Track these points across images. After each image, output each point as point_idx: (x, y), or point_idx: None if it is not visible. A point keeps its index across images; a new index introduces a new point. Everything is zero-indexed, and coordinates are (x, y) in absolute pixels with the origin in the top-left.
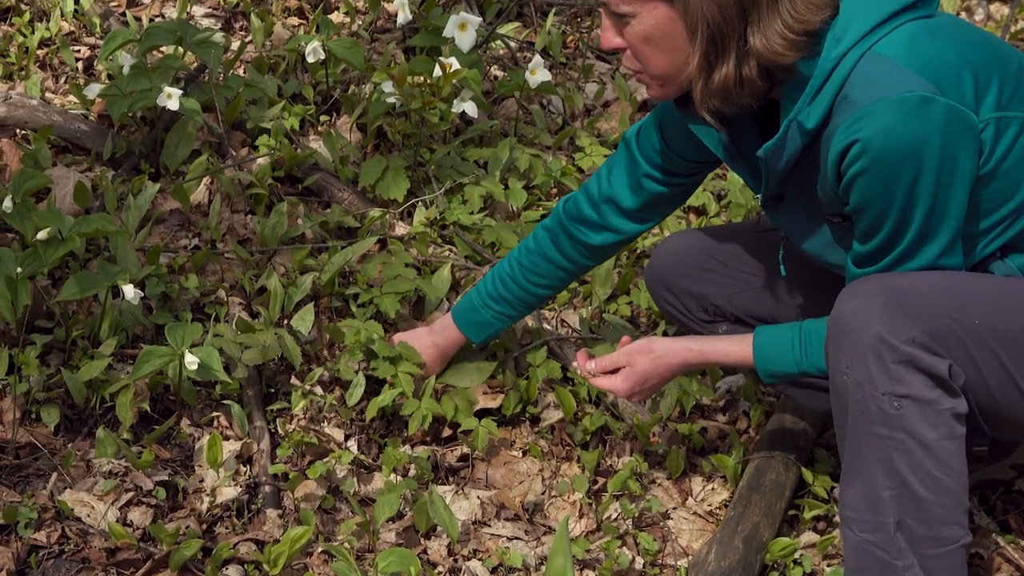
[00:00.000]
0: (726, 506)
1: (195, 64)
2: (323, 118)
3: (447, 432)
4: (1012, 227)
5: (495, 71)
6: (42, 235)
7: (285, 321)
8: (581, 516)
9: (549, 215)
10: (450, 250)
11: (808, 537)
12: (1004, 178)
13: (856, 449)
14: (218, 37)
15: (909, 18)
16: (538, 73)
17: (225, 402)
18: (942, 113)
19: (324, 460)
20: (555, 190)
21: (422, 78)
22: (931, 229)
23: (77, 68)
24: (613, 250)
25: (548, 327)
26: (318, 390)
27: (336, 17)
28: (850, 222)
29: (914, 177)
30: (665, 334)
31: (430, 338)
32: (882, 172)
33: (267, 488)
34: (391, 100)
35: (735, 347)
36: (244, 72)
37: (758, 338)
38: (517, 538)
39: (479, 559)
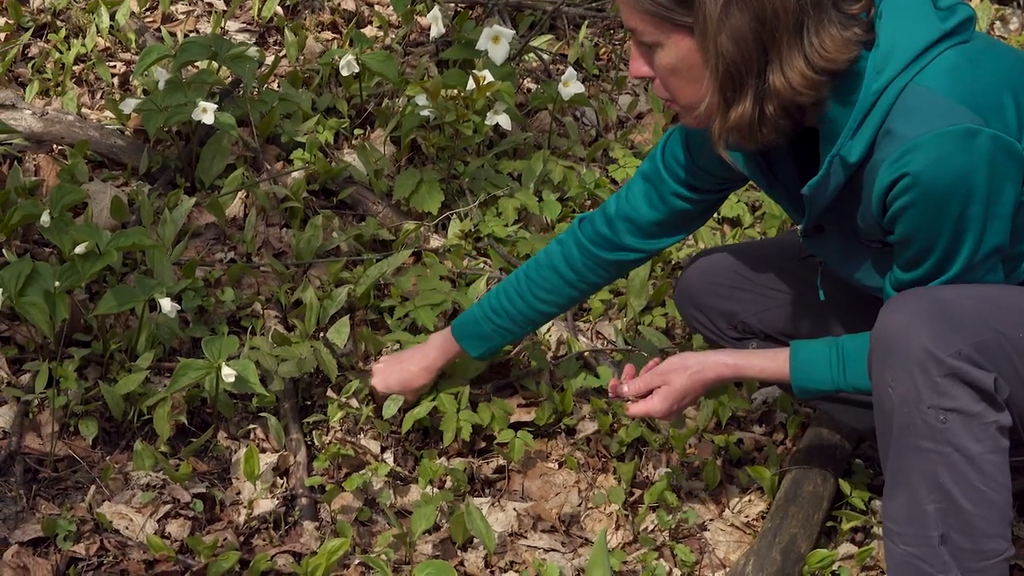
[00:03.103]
0: (763, 518)
1: (230, 79)
2: (357, 131)
3: (482, 444)
4: None
5: (528, 84)
6: (80, 249)
7: (321, 334)
8: (618, 528)
9: (564, 231)
10: (485, 262)
11: (846, 549)
12: None
13: (900, 463)
14: (252, 52)
15: (949, 45)
16: (571, 85)
17: (262, 415)
18: (988, 144)
19: (360, 472)
20: (589, 202)
21: (456, 91)
22: (977, 258)
23: (113, 84)
24: (626, 268)
25: (583, 339)
26: (354, 402)
27: (369, 31)
28: (890, 248)
29: (962, 209)
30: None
31: (419, 360)
32: (930, 205)
33: (304, 500)
34: (425, 113)
35: (771, 363)
36: (278, 86)
37: (795, 354)
38: (554, 550)
39: (516, 571)
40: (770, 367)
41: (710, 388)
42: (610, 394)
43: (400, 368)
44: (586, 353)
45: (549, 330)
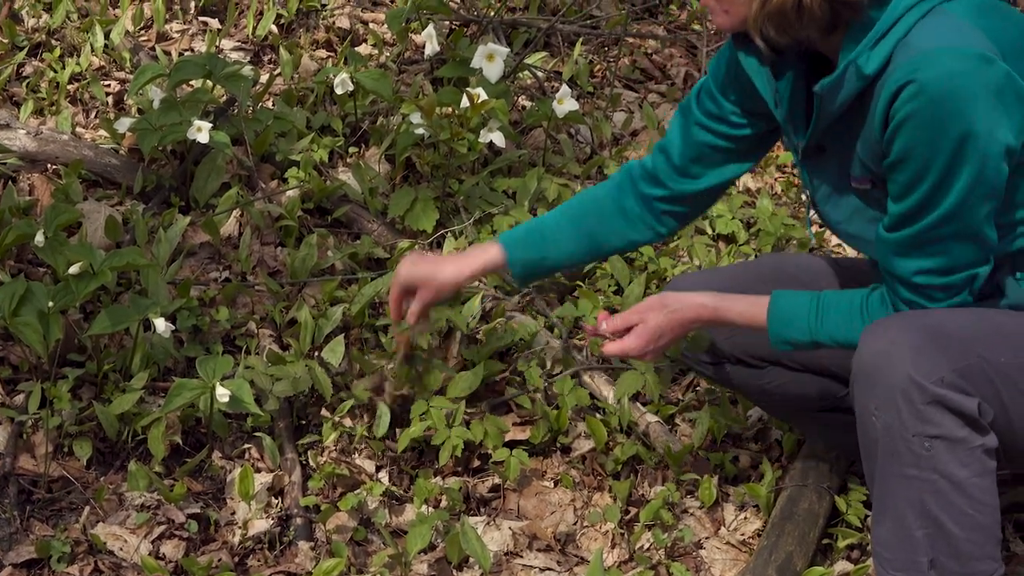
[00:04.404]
0: (759, 535)
1: (224, 97)
2: (352, 150)
3: (477, 463)
4: None
5: (523, 101)
6: (74, 269)
7: (316, 353)
8: (613, 546)
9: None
10: (479, 281)
11: (842, 566)
12: None
13: (886, 489)
14: (247, 70)
15: None
16: (565, 103)
17: (256, 434)
18: (1001, 77)
19: (355, 492)
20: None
21: (450, 109)
22: (971, 197)
23: (107, 102)
24: (659, 208)
25: (578, 356)
26: (348, 421)
27: (364, 49)
28: (879, 190)
29: (962, 134)
30: None
31: (454, 258)
32: (931, 120)
33: (299, 520)
34: (419, 131)
35: (751, 308)
36: (273, 105)
37: (775, 300)
38: (549, 569)
39: None
40: (749, 312)
41: (688, 329)
42: (587, 335)
43: (432, 259)
44: (581, 371)
45: (544, 348)
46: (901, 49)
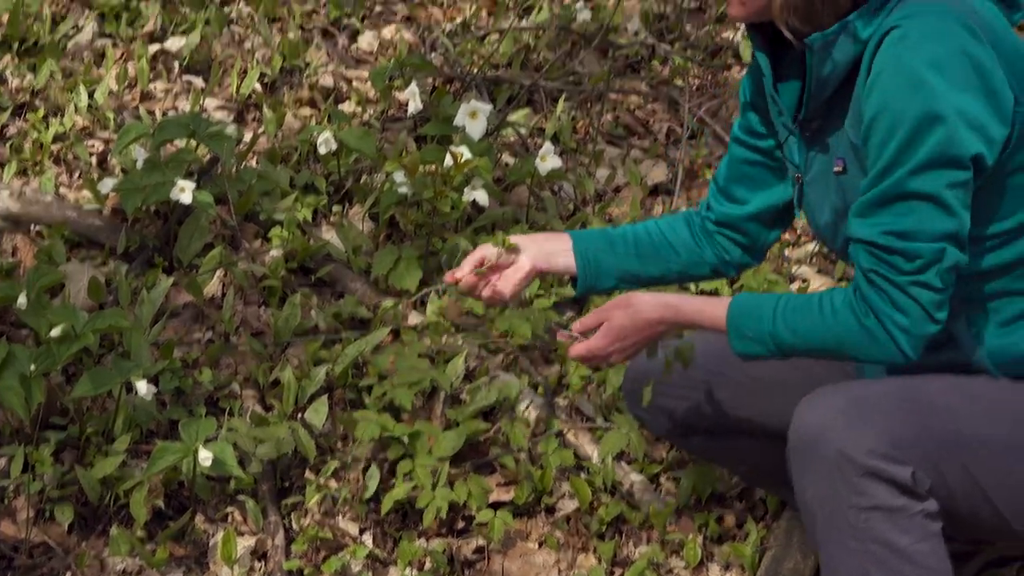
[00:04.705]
0: None
1: (208, 157)
2: (335, 208)
3: (462, 524)
4: (1001, 251)
5: (506, 158)
6: (56, 332)
7: (299, 414)
8: None
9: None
10: (464, 340)
11: None
12: (1013, 191)
13: (831, 563)
14: (230, 130)
15: None
16: (548, 160)
17: (240, 497)
18: (986, 59)
19: (339, 555)
20: (566, 276)
21: (433, 167)
22: (943, 159)
23: (91, 163)
24: (712, 229)
25: (562, 416)
26: (332, 483)
27: (347, 107)
28: (848, 175)
29: (937, 93)
30: None
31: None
32: (908, 70)
33: None
34: (403, 190)
35: (710, 307)
36: (257, 163)
37: (737, 296)
38: None
39: None
40: (709, 310)
41: (653, 330)
42: (558, 340)
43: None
44: (565, 430)
45: (528, 408)
46: (897, 8)
